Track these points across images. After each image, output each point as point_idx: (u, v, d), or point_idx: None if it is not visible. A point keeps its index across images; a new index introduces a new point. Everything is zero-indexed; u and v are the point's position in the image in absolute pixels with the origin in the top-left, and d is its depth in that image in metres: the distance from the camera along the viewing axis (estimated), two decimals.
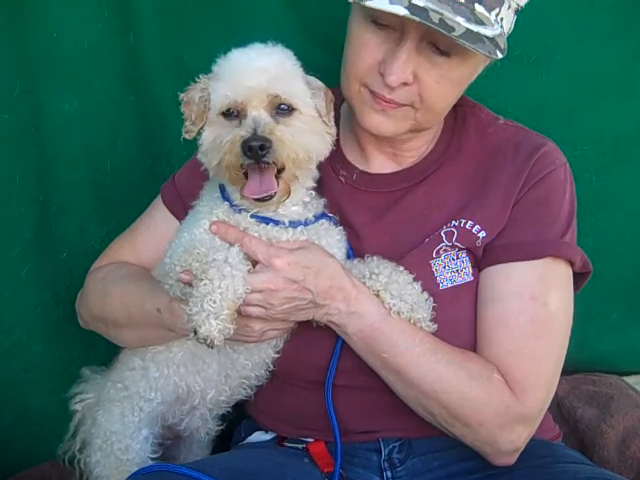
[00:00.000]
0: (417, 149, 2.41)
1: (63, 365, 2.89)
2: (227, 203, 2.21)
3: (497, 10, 2.10)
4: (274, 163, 2.06)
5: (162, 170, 2.82)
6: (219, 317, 1.97)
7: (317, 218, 2.25)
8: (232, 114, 2.10)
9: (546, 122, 2.65)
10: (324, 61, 2.26)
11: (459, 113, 2.41)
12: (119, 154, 2.91)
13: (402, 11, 1.99)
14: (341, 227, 2.31)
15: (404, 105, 2.19)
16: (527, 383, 2.19)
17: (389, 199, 2.38)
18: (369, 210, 2.37)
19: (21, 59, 2.71)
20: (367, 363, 2.24)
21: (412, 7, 2.00)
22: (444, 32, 2.00)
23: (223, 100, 2.09)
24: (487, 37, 2.06)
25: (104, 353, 2.63)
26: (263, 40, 2.19)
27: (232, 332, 2.00)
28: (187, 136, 2.16)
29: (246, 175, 2.09)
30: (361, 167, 2.41)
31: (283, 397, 2.42)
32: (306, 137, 2.13)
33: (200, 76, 2.18)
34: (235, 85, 2.08)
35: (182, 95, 2.18)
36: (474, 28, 2.03)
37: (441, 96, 2.21)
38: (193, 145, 2.43)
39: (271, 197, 2.10)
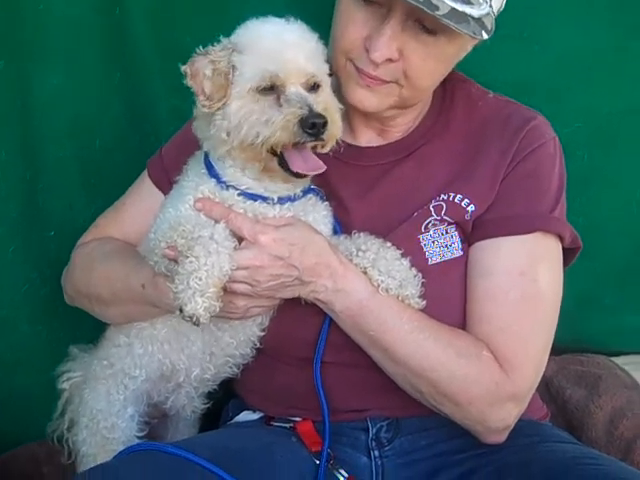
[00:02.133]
0: (405, 124, 2.39)
1: (50, 344, 2.87)
2: (214, 180, 2.18)
3: None
4: (325, 140, 2.06)
5: (150, 146, 2.74)
6: (205, 295, 1.95)
7: (304, 193, 2.23)
8: (266, 89, 2.05)
9: (537, 99, 2.62)
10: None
11: (448, 88, 2.38)
12: (107, 131, 2.89)
13: None
14: (327, 202, 2.28)
15: (389, 82, 2.18)
16: (517, 360, 2.17)
17: (377, 172, 2.36)
18: (357, 183, 2.35)
19: (6, 32, 2.68)
20: (355, 341, 2.22)
21: None
22: (428, 10, 1.98)
23: (262, 74, 2.04)
24: (473, 17, 2.04)
25: (91, 332, 2.61)
26: (256, 15, 2.15)
27: (218, 309, 1.98)
28: (205, 110, 2.09)
29: (275, 153, 2.07)
30: (349, 141, 2.38)
31: (271, 375, 2.41)
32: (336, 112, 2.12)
33: (209, 47, 2.10)
34: (274, 59, 2.05)
35: (185, 67, 2.09)
36: (460, 7, 2.02)
37: (426, 74, 2.20)
38: (180, 120, 2.52)
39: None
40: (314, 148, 2.10)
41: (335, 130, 2.07)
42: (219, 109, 2.08)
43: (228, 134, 2.08)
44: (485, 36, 2.07)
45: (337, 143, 2.15)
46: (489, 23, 2.09)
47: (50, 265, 2.81)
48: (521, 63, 2.80)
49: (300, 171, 2.06)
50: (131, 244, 2.50)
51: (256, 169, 2.13)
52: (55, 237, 2.86)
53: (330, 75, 2.19)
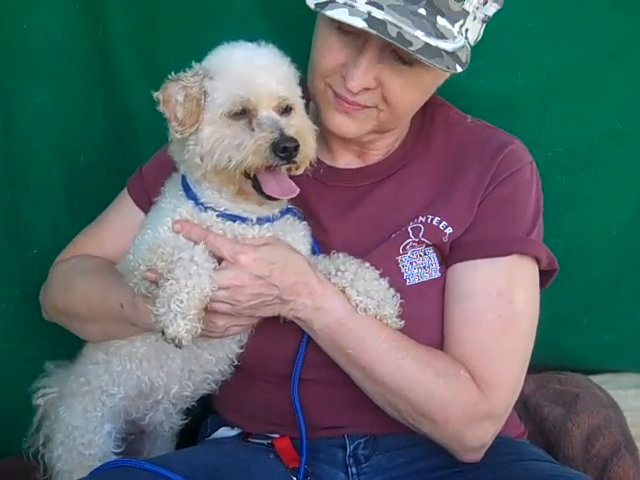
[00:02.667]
0: (384, 147, 2.41)
1: (28, 362, 2.83)
2: (192, 202, 2.19)
3: (461, 22, 2.12)
4: (297, 163, 2.07)
5: (131, 164, 2.76)
6: (187, 317, 1.96)
7: (282, 213, 2.24)
8: (238, 114, 2.07)
9: (518, 124, 2.67)
10: (293, 57, 2.23)
11: (427, 112, 2.41)
12: (90, 149, 2.89)
13: (360, 23, 2.01)
14: (305, 222, 2.30)
15: (368, 107, 2.20)
16: (494, 380, 2.19)
17: (356, 194, 2.38)
18: (336, 205, 2.37)
19: None
20: (333, 359, 2.23)
21: (371, 20, 2.01)
22: (401, 47, 2.01)
23: (233, 99, 2.06)
24: (446, 51, 2.07)
25: (72, 350, 2.60)
26: (236, 36, 2.18)
27: (200, 331, 2.00)
28: (178, 136, 2.11)
29: (248, 176, 2.09)
30: (328, 162, 2.42)
31: (249, 392, 2.41)
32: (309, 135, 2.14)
33: (181, 73, 2.12)
34: (245, 84, 2.06)
35: (157, 94, 2.11)
36: (433, 42, 2.05)
37: (405, 101, 2.23)
38: (161, 140, 2.42)
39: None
40: (288, 170, 2.12)
41: (308, 152, 2.09)
42: (192, 134, 2.09)
43: (202, 159, 2.10)
44: (459, 69, 2.09)
45: (313, 165, 2.17)
46: (464, 56, 2.12)
47: (32, 283, 2.78)
48: (503, 88, 2.83)
49: (273, 194, 2.07)
50: (110, 261, 2.49)
51: (231, 192, 2.14)
52: (38, 256, 2.84)
53: (303, 98, 2.20)
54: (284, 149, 2.01)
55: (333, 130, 2.26)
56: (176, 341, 1.97)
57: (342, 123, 2.24)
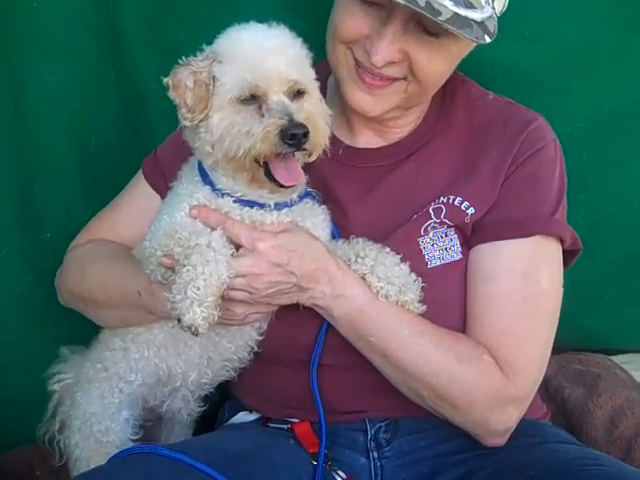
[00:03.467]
0: (405, 126, 2.37)
1: (46, 347, 2.78)
2: (208, 187, 2.15)
3: None
4: (308, 150, 2.02)
5: (145, 145, 2.71)
6: (203, 304, 1.93)
7: (301, 198, 2.21)
8: (248, 99, 2.01)
9: (538, 98, 2.61)
10: (314, 35, 2.19)
11: (448, 88, 2.37)
12: (103, 130, 2.86)
13: None
14: (325, 206, 2.27)
15: (396, 79, 2.17)
16: (518, 364, 2.17)
17: (376, 174, 2.34)
18: (356, 185, 2.34)
19: (0, 30, 2.65)
20: (354, 346, 2.21)
21: None
22: (430, 16, 1.96)
23: (242, 85, 2.00)
24: (475, 21, 2.03)
25: (88, 336, 2.58)
26: (250, 13, 2.12)
27: (216, 318, 1.97)
28: (187, 123, 2.06)
29: (262, 164, 2.04)
30: (347, 142, 2.38)
31: (268, 377, 2.40)
32: (322, 121, 2.08)
33: (191, 58, 2.07)
34: (254, 68, 2.01)
35: (167, 79, 2.06)
36: (462, 12, 2.00)
37: (434, 73, 2.19)
38: (176, 120, 2.33)
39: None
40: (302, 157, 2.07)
41: (319, 138, 2.03)
42: (201, 121, 2.05)
43: (212, 147, 2.06)
44: (488, 40, 2.05)
45: (327, 149, 2.12)
46: (491, 26, 2.08)
47: (47, 268, 2.75)
48: (522, 61, 2.77)
49: (283, 182, 2.03)
50: (126, 246, 2.47)
51: (244, 179, 2.10)
52: (51, 239, 2.83)
53: (317, 80, 2.14)
54: (292, 136, 1.95)
55: (354, 107, 2.23)
56: (192, 329, 1.94)
57: (364, 101, 2.21)
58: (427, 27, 2.07)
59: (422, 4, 1.96)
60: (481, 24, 2.04)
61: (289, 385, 2.35)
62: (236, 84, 2.01)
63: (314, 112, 2.05)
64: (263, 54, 2.02)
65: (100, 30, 2.77)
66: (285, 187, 2.04)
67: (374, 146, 2.39)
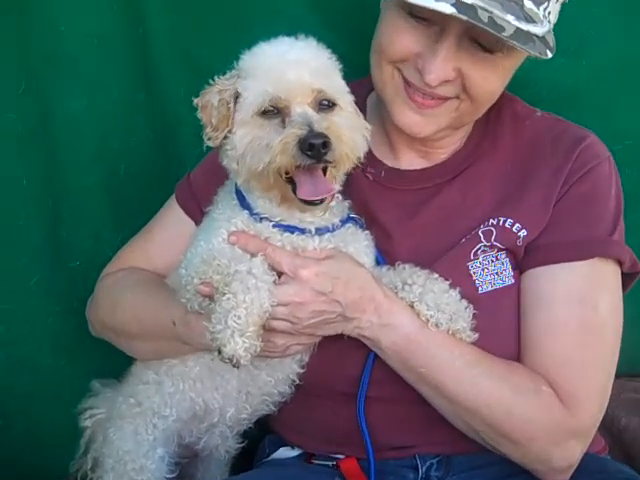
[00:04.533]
0: (450, 146, 2.31)
1: (76, 379, 2.76)
2: (246, 212, 2.09)
3: (545, 4, 2.02)
4: (332, 162, 1.93)
5: (176, 171, 2.68)
6: (245, 334, 1.87)
7: (343, 222, 2.14)
8: (271, 113, 1.96)
9: (585, 115, 2.51)
10: (346, 53, 2.13)
11: (493, 106, 2.27)
12: (132, 155, 2.82)
13: (448, 9, 1.89)
14: (368, 231, 2.20)
15: (448, 99, 2.11)
16: (579, 394, 2.09)
17: (421, 196, 2.28)
18: (400, 208, 2.27)
19: (26, 55, 2.63)
20: (403, 377, 2.14)
21: (459, 4, 1.90)
22: (494, 32, 1.91)
23: (262, 97, 1.95)
24: (537, 36, 1.99)
25: (121, 368, 2.51)
26: (281, 33, 2.07)
27: (259, 349, 1.89)
28: (211, 143, 2.02)
29: (289, 180, 1.96)
30: (389, 163, 2.31)
31: (311, 411, 2.33)
32: (351, 133, 2.00)
33: (216, 77, 2.05)
34: (275, 80, 1.95)
35: (197, 100, 2.04)
36: (524, 27, 1.95)
37: (488, 91, 2.14)
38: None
39: (322, 201, 1.96)
40: (325, 170, 1.98)
41: (345, 149, 1.94)
42: (225, 139, 2.01)
43: (237, 163, 2.01)
44: (549, 55, 2.00)
45: (375, 166, 2.10)
46: (550, 40, 2.04)
47: (76, 297, 2.73)
48: (567, 78, 2.68)
49: (305, 197, 1.95)
50: (159, 274, 2.42)
51: (275, 199, 2.04)
52: (80, 268, 2.80)
53: (352, 94, 2.08)
54: (311, 146, 1.86)
55: (403, 128, 2.16)
56: (234, 360, 1.87)
57: (414, 121, 2.14)
58: (482, 43, 2.02)
59: (485, 19, 1.90)
60: (542, 39, 2.00)
61: (333, 419, 2.28)
62: (257, 97, 1.96)
63: (338, 122, 1.96)
64: (285, 65, 1.97)
65: (129, 54, 2.75)
66: (309, 203, 1.96)
67: (418, 167, 2.32)
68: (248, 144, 1.97)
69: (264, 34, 2.10)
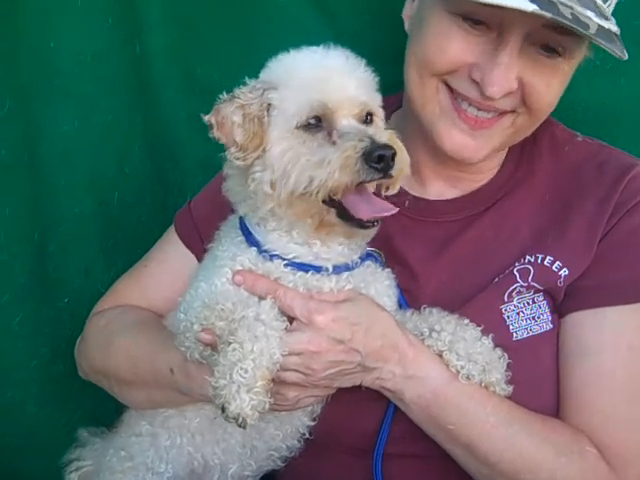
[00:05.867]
0: (484, 172, 2.20)
1: (64, 429, 2.66)
2: (254, 249, 1.96)
3: (609, 1, 1.92)
4: (393, 177, 1.81)
5: (174, 200, 2.63)
6: (252, 390, 1.74)
7: (362, 259, 2.01)
8: (313, 127, 1.83)
9: (624, 138, 2.41)
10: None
11: None
12: (127, 183, 2.74)
13: (530, 6, 1.76)
14: (389, 270, 2.07)
15: (504, 113, 2.00)
16: (627, 455, 1.97)
17: (449, 230, 2.17)
18: (425, 244, 2.17)
19: (12, 72, 2.54)
20: (429, 435, 2.02)
21: (540, 1, 1.78)
22: (581, 30, 1.79)
23: (309, 106, 1.82)
24: (616, 34, 1.90)
25: (112, 415, 2.38)
26: (288, 47, 1.97)
27: (268, 406, 1.76)
28: (240, 163, 1.87)
29: (332, 203, 1.84)
30: (415, 193, 2.20)
31: (322, 467, 2.21)
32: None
33: (236, 90, 1.90)
34: (320, 89, 1.84)
35: (209, 117, 1.88)
36: (605, 24, 1.85)
37: (550, 99, 2.01)
38: (210, 170, 2.35)
39: (378, 222, 1.85)
40: (378, 189, 1.88)
41: (404, 165, 1.83)
42: (257, 159, 1.86)
43: (272, 186, 1.86)
44: (626, 56, 1.88)
45: (398, 196, 1.91)
46: (621, 41, 1.93)
47: (64, 338, 2.65)
48: (605, 98, 2.56)
49: (366, 217, 1.82)
50: (156, 313, 2.33)
51: (308, 227, 1.90)
52: (69, 305, 2.71)
53: (383, 107, 1.97)
54: (380, 158, 1.74)
55: (451, 153, 2.03)
56: (239, 420, 1.73)
57: (464, 145, 2.01)
58: (544, 46, 1.91)
59: (569, 16, 1.79)
60: (619, 37, 1.90)
61: (346, 476, 2.17)
62: (300, 108, 1.82)
63: (394, 135, 1.85)
64: (328, 73, 1.86)
65: (124, 72, 2.66)
66: (362, 226, 1.83)
67: (447, 197, 2.22)
68: (290, 161, 1.83)
69: (272, 50, 1.99)
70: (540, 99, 1.97)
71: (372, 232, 1.91)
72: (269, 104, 1.85)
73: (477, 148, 2.02)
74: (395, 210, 1.84)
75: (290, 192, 1.82)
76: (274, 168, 1.84)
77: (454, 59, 1.95)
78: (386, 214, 1.83)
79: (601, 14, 1.85)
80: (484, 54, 1.92)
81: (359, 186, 1.80)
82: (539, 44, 1.90)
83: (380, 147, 1.75)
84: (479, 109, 1.97)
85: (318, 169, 1.77)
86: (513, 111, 1.99)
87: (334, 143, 1.79)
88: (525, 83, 1.94)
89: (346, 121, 1.82)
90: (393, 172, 1.78)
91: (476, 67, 1.93)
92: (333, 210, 1.84)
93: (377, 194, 1.87)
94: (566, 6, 1.79)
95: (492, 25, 1.90)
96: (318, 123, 1.82)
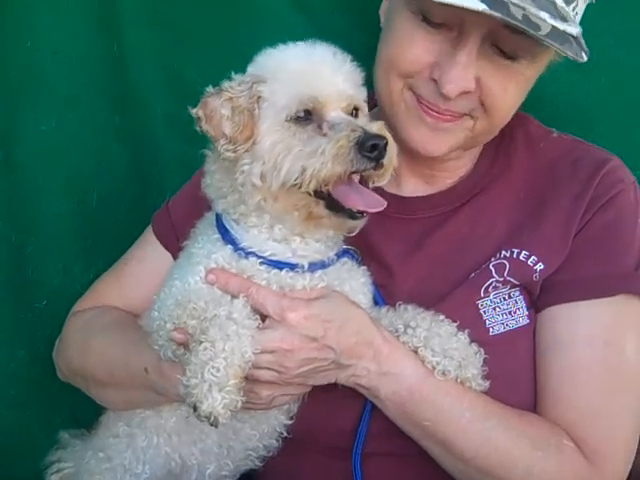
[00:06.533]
0: (458, 169, 2.20)
1: (43, 431, 2.65)
2: (230, 246, 1.96)
3: (575, 3, 1.92)
4: (383, 168, 1.84)
5: (153, 200, 2.60)
6: (224, 389, 1.73)
7: (338, 257, 2.01)
8: (302, 119, 1.85)
9: (604, 137, 2.37)
10: None
11: (505, 126, 2.16)
12: (106, 182, 2.73)
13: (479, 5, 1.78)
14: (365, 267, 2.07)
15: (462, 115, 2.00)
16: (604, 448, 1.96)
17: (425, 226, 2.17)
18: (401, 240, 2.16)
19: None
20: (405, 432, 2.01)
21: (489, 0, 1.79)
22: (530, 31, 1.80)
23: (299, 98, 1.83)
24: (572, 36, 1.88)
25: (92, 417, 2.37)
26: (268, 44, 1.98)
27: (240, 405, 1.76)
28: (230, 155, 1.87)
29: (321, 195, 1.85)
30: (391, 190, 2.17)
31: (300, 466, 2.20)
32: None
33: (224, 83, 1.91)
34: (310, 82, 1.86)
35: (196, 111, 1.88)
36: (560, 25, 1.85)
37: (507, 104, 2.02)
38: (189, 169, 2.34)
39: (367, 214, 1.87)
40: (363, 182, 1.88)
41: (394, 155, 1.85)
42: (246, 151, 1.87)
43: (263, 178, 1.86)
44: (585, 58, 1.88)
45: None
46: (583, 42, 1.92)
47: (42, 340, 2.62)
48: (587, 95, 2.56)
49: (360, 208, 1.83)
50: (135, 312, 2.32)
51: (295, 220, 1.90)
52: (47, 308, 2.69)
53: (367, 102, 1.99)
54: (373, 147, 1.77)
55: (416, 147, 2.04)
56: (211, 419, 1.73)
57: (428, 139, 2.02)
58: (503, 48, 1.91)
59: (519, 17, 1.79)
60: (576, 39, 1.89)
61: (325, 474, 2.16)
62: (291, 100, 1.84)
63: (383, 126, 1.88)
64: (317, 67, 1.88)
65: (103, 72, 2.66)
66: (357, 215, 1.85)
67: (422, 194, 2.22)
68: (281, 153, 1.85)
69: (253, 50, 1.99)
70: (496, 102, 1.97)
71: (361, 223, 1.91)
72: (259, 97, 1.87)
73: (440, 142, 2.02)
74: (385, 203, 1.85)
75: (281, 183, 1.84)
76: (265, 160, 1.85)
77: (415, 58, 1.96)
78: (380, 209, 1.85)
79: (560, 16, 1.85)
80: (444, 53, 1.93)
81: (349, 177, 1.82)
82: (499, 46, 1.91)
83: (373, 137, 1.77)
84: (437, 112, 1.98)
85: (311, 159, 1.79)
86: (471, 115, 2.00)
87: (325, 135, 1.81)
88: (482, 84, 1.94)
89: (335, 113, 1.84)
90: (385, 161, 1.80)
91: (436, 67, 1.94)
92: (322, 202, 1.85)
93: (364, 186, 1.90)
94: (518, 7, 1.80)
95: (452, 25, 1.91)
96: (308, 116, 1.84)
